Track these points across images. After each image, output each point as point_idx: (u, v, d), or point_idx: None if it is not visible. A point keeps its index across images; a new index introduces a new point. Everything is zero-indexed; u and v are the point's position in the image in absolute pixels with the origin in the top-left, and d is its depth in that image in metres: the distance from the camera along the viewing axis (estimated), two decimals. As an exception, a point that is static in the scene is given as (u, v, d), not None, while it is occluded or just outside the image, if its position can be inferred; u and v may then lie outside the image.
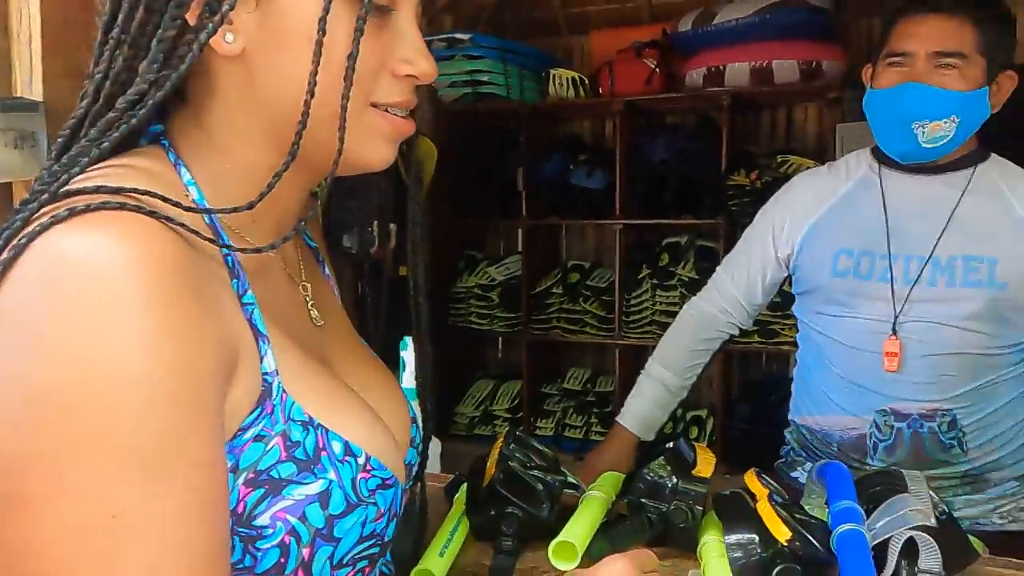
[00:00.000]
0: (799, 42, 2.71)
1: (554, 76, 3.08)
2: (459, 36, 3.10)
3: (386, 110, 0.57)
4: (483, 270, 3.36)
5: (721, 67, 2.82)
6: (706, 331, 1.47)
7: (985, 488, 1.26)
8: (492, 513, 0.87)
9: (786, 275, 1.43)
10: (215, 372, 0.47)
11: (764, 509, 0.80)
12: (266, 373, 0.51)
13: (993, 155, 1.30)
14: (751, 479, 0.87)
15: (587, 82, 3.06)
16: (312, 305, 0.64)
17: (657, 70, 2.90)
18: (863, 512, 0.80)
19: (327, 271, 0.74)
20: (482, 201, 3.32)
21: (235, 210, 0.51)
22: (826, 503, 0.86)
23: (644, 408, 1.44)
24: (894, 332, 1.25)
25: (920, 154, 1.24)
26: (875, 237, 1.28)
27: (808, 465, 1.36)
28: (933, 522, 0.77)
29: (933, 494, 0.83)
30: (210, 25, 0.49)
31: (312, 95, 0.51)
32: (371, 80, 0.54)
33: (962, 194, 1.25)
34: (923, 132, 1.20)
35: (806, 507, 0.88)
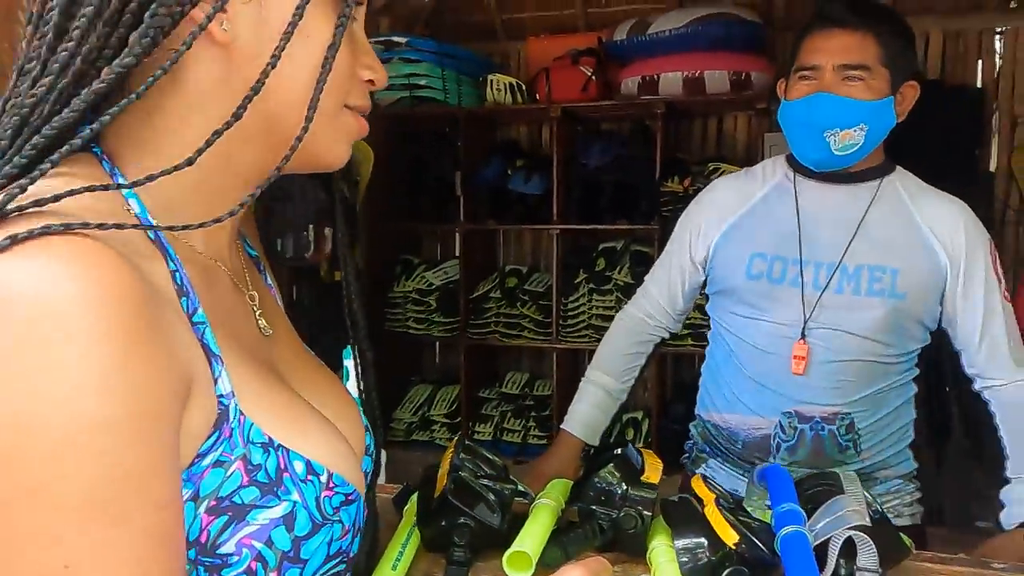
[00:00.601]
0: (730, 54, 2.80)
1: (492, 81, 3.09)
2: (396, 39, 3.08)
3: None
4: (420, 274, 3.34)
5: (655, 76, 2.88)
6: (638, 336, 1.51)
7: (873, 486, 1.33)
8: (444, 524, 0.87)
9: (703, 278, 1.47)
10: (171, 404, 0.45)
11: (712, 513, 0.82)
12: (221, 396, 0.49)
13: (898, 168, 1.37)
14: (698, 484, 0.89)
15: (524, 88, 3.08)
16: (260, 315, 0.63)
17: (593, 78, 2.95)
18: (804, 513, 0.84)
19: (269, 280, 0.72)
20: (419, 205, 3.30)
21: (217, 220, 0.50)
22: (768, 505, 0.89)
23: (588, 413, 1.46)
24: (803, 337, 1.30)
25: (833, 161, 1.29)
26: (788, 242, 1.32)
27: (711, 462, 1.43)
28: (868, 521, 0.81)
29: (867, 494, 0.87)
30: (210, 9, 0.47)
31: (273, 67, 0.49)
32: (347, 82, 0.55)
33: (869, 204, 1.31)
34: (835, 140, 1.26)
35: (748, 509, 0.91)
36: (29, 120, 0.47)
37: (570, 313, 3.09)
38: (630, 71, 2.95)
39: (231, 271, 0.61)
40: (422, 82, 3.08)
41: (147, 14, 0.47)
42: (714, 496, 0.84)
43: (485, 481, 0.90)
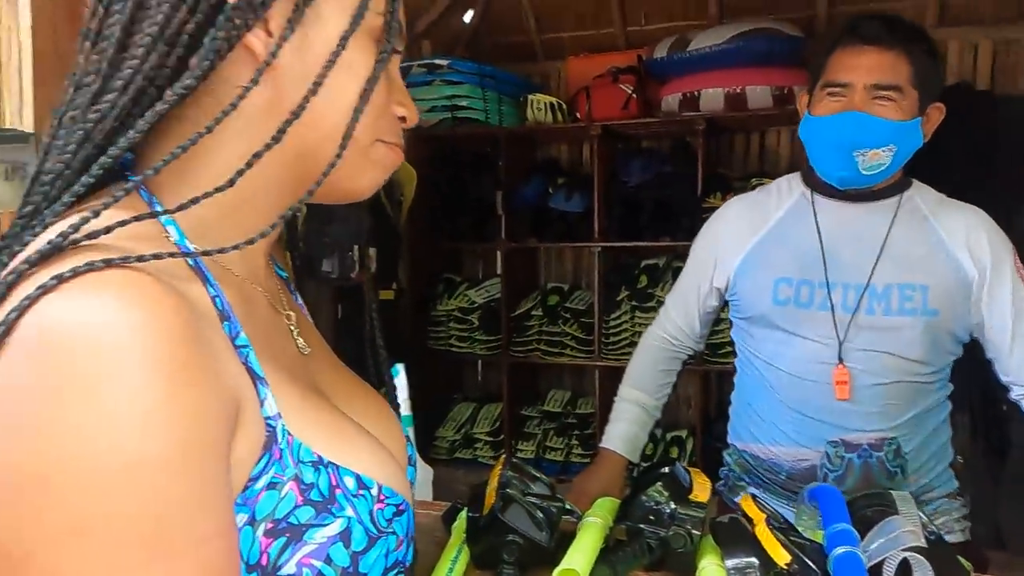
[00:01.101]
0: (772, 68, 2.79)
1: (532, 101, 3.12)
2: (438, 62, 3.13)
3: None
4: (462, 293, 3.37)
5: (696, 92, 2.88)
6: (665, 354, 1.51)
7: (922, 507, 1.29)
8: (493, 541, 0.87)
9: (721, 304, 1.44)
10: (220, 433, 0.45)
11: (762, 533, 0.81)
12: (268, 418, 0.50)
13: (915, 181, 1.34)
14: (747, 503, 0.88)
15: (564, 107, 3.10)
16: (297, 334, 0.63)
17: (633, 95, 2.96)
18: (857, 534, 0.82)
19: (299, 299, 0.72)
20: (461, 224, 3.34)
21: (250, 242, 0.50)
22: (819, 526, 0.88)
23: (627, 430, 1.46)
24: (840, 361, 1.27)
25: (858, 180, 1.27)
26: (812, 265, 1.29)
27: (751, 490, 1.38)
28: (924, 542, 0.80)
29: (922, 515, 0.86)
30: (289, 32, 0.49)
31: (314, 93, 0.51)
32: (381, 116, 0.57)
33: (891, 222, 1.28)
34: (863, 160, 1.23)
35: (799, 529, 0.90)
36: (92, 135, 0.48)
37: (612, 330, 3.09)
38: (671, 88, 2.95)
39: (267, 292, 0.61)
40: (463, 103, 3.13)
41: (207, 38, 0.48)
42: (765, 516, 0.83)
43: (533, 499, 0.91)
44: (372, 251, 2.86)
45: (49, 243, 0.43)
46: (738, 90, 2.81)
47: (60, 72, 1.07)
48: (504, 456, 0.99)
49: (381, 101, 0.56)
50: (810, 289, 1.29)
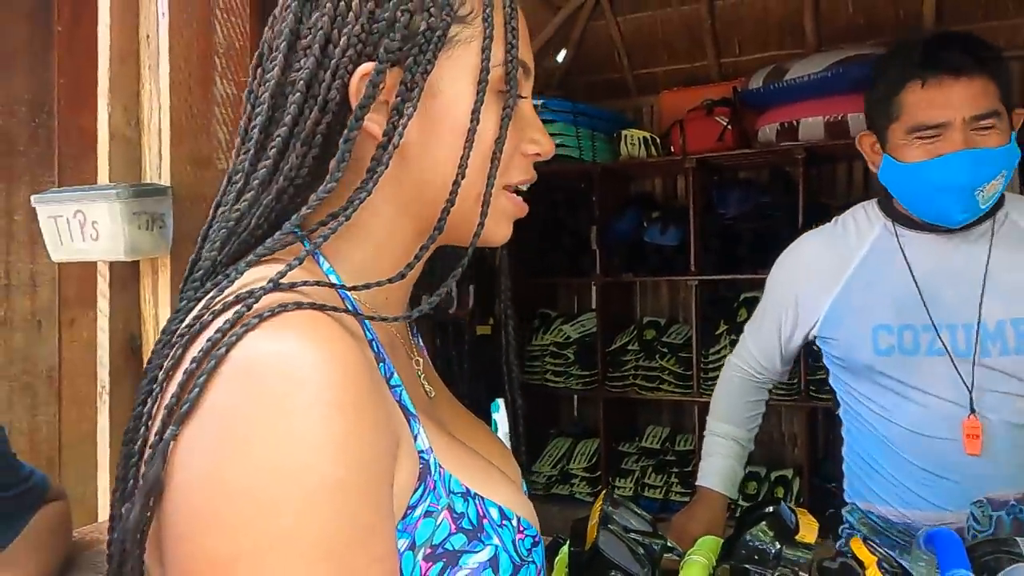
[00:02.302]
0: (874, 95, 2.71)
1: (625, 136, 3.14)
2: (532, 102, 3.20)
3: (515, 191, 0.62)
4: (558, 328, 3.38)
5: (794, 122, 2.83)
6: (750, 386, 1.46)
7: None
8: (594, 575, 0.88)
9: (803, 344, 1.37)
10: (388, 464, 0.49)
11: (874, 577, 0.78)
12: (422, 451, 0.53)
13: (1008, 195, 1.23)
14: (857, 546, 0.85)
15: (658, 141, 3.10)
16: (424, 379, 0.67)
17: (729, 127, 2.93)
18: (979, 581, 0.78)
19: (421, 343, 0.76)
20: (556, 259, 3.37)
21: (390, 281, 0.55)
22: (937, 571, 0.84)
23: (723, 465, 1.41)
24: (973, 411, 1.17)
25: (976, 214, 1.16)
26: (911, 308, 1.20)
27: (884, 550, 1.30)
28: (1055, 593, 0.75)
29: (1054, 563, 0.80)
30: (397, 133, 0.53)
31: (463, 177, 0.55)
32: (508, 165, 0.60)
33: (989, 250, 1.19)
34: (982, 196, 1.14)
35: (914, 574, 0.86)
36: (236, 231, 0.54)
37: (711, 365, 3.03)
38: (767, 118, 2.91)
39: (403, 339, 0.66)
40: (557, 141, 3.18)
41: (341, 140, 0.52)
42: (876, 559, 0.81)
43: (635, 535, 0.91)
44: (471, 287, 2.93)
45: (250, 291, 0.49)
46: (839, 117, 2.74)
47: (193, 131, 1.18)
48: (605, 492, 0.99)
49: (510, 148, 0.59)
50: (913, 334, 1.21)
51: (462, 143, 0.55)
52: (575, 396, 3.54)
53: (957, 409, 1.18)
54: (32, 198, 1.19)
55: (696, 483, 1.44)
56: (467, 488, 0.55)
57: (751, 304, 3.11)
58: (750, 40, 3.18)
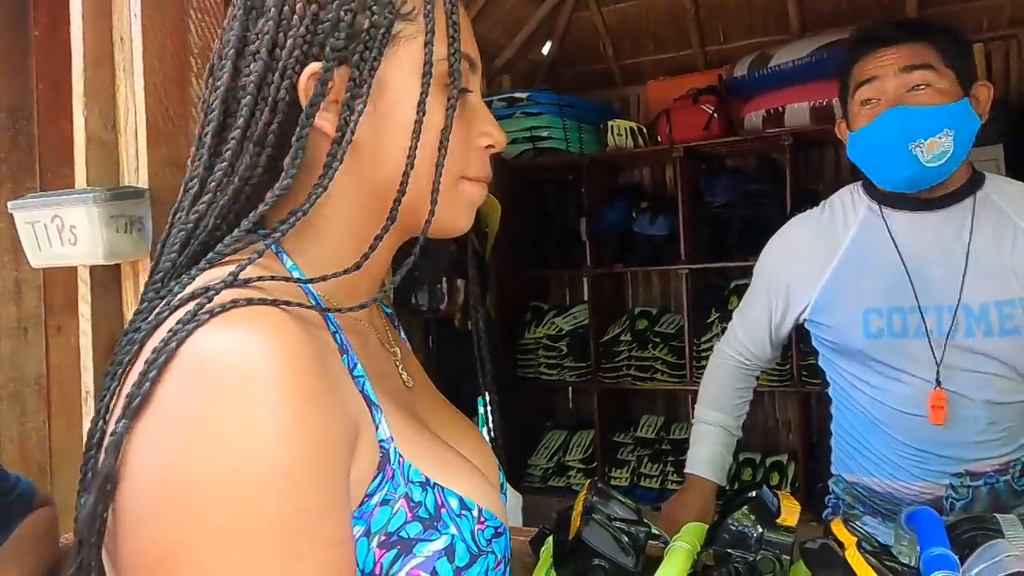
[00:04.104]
0: (858, 79, 2.71)
1: (612, 127, 3.14)
2: (518, 95, 3.20)
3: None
4: (550, 320, 3.39)
5: (780, 108, 2.83)
6: (738, 373, 1.47)
7: None
8: (579, 565, 0.88)
9: (792, 328, 1.38)
10: (343, 451, 0.50)
11: (853, 557, 0.79)
12: (382, 440, 0.54)
13: (989, 175, 1.24)
14: (838, 527, 0.86)
15: (645, 131, 3.10)
16: (402, 369, 0.68)
17: (715, 115, 2.93)
18: (957, 559, 0.79)
19: (403, 335, 0.78)
20: (546, 252, 3.37)
21: (345, 272, 0.56)
22: (918, 549, 0.85)
23: (713, 452, 1.42)
24: (938, 384, 1.19)
25: (926, 175, 1.17)
26: (899, 290, 1.22)
27: (867, 519, 1.32)
28: (1033, 568, 0.75)
29: (1033, 538, 0.81)
30: (349, 129, 0.54)
31: (412, 167, 0.56)
32: (462, 157, 0.61)
33: (971, 230, 1.20)
34: (922, 151, 1.15)
35: (895, 554, 0.87)
36: (195, 233, 0.56)
37: (703, 354, 3.03)
38: (753, 105, 2.91)
39: (376, 330, 0.67)
40: (544, 133, 3.18)
41: (293, 138, 0.54)
42: (856, 539, 0.81)
43: (619, 523, 0.91)
44: (460, 283, 2.93)
45: (205, 288, 0.50)
46: (824, 103, 2.74)
47: (170, 133, 1.18)
48: (589, 482, 1.00)
49: (460, 142, 0.60)
50: (902, 316, 1.22)
51: (410, 135, 0.56)
52: (569, 388, 3.55)
53: (928, 385, 1.21)
54: (8, 204, 1.19)
55: (685, 471, 1.45)
56: (427, 477, 0.56)
57: (742, 291, 3.09)
58: (734, 27, 3.18)
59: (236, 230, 0.54)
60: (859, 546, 0.79)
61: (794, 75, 2.77)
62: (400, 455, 0.55)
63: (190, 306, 0.49)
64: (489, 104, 3.29)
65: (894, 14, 2.87)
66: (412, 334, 2.91)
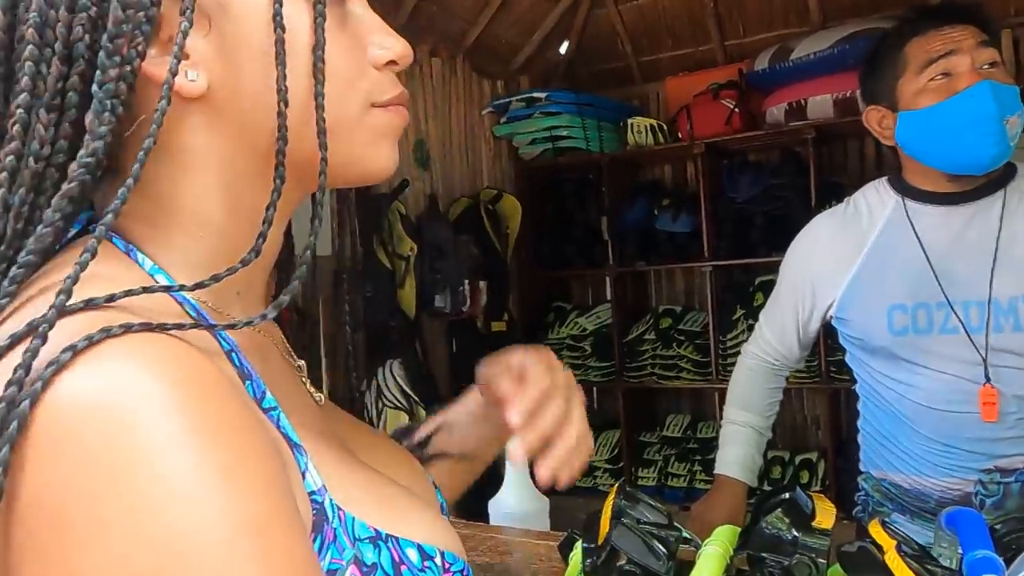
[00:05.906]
0: (882, 69, 2.67)
1: (632, 125, 3.12)
2: (536, 95, 3.19)
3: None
4: (573, 320, 3.37)
5: (802, 101, 2.79)
6: (766, 373, 1.45)
7: None
8: (609, 571, 0.87)
9: (820, 326, 1.36)
10: (287, 486, 0.39)
11: (893, 561, 0.77)
12: (313, 492, 0.42)
13: (1016, 166, 1.21)
14: (876, 529, 0.84)
15: (665, 128, 3.08)
16: (309, 384, 0.55)
17: (736, 110, 2.90)
18: (1002, 562, 0.76)
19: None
20: (568, 252, 3.35)
21: (243, 264, 0.43)
22: (959, 551, 0.82)
23: (743, 454, 1.40)
24: (988, 380, 1.16)
25: (1004, 156, 1.14)
26: (924, 286, 1.20)
27: (896, 516, 1.29)
28: (1082, 570, 0.73)
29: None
30: (173, 56, 0.40)
31: (287, 104, 0.42)
32: (361, 79, 0.47)
33: (1000, 225, 1.17)
34: (1010, 128, 1.12)
35: (936, 556, 0.84)
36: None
37: (729, 351, 3.00)
38: (775, 99, 2.88)
39: (274, 339, 0.53)
40: (563, 133, 3.17)
41: (95, 86, 0.39)
42: (895, 542, 0.79)
43: (649, 527, 0.90)
44: (483, 284, 2.92)
45: (34, 321, 0.35)
46: (847, 94, 2.70)
47: None
48: (617, 485, 0.98)
49: (352, 60, 0.46)
50: (927, 313, 1.20)
51: (276, 64, 0.42)
52: (594, 388, 3.53)
53: (970, 384, 1.18)
54: None
55: (715, 472, 1.43)
56: (376, 531, 0.45)
57: (767, 288, 3.07)
58: (754, 20, 3.14)
59: (40, 226, 0.39)
60: (899, 549, 0.77)
61: (816, 67, 2.73)
62: (339, 508, 0.43)
63: (23, 348, 0.34)
64: (507, 105, 3.29)
65: (915, 2, 2.83)
66: (435, 338, 2.91)
